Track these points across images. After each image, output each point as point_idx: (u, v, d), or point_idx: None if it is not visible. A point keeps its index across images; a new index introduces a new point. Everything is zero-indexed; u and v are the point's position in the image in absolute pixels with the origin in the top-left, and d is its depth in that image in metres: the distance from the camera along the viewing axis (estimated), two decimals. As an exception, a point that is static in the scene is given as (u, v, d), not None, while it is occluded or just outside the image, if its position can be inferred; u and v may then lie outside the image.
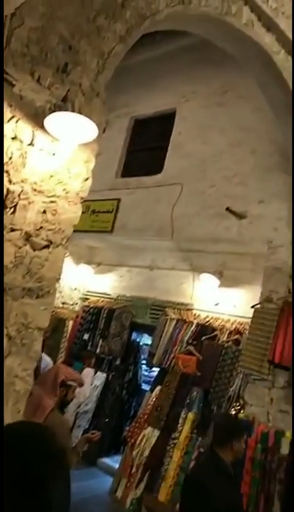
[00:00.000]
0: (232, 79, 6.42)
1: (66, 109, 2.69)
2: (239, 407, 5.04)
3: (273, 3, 4.26)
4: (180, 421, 5.32)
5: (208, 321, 6.01)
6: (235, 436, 2.95)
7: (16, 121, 2.50)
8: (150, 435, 5.37)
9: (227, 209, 5.95)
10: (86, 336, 7.10)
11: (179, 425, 5.30)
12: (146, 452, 5.27)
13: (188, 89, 7.12)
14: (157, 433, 5.38)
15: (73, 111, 2.72)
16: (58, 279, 2.80)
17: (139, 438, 5.39)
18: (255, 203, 5.85)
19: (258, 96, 5.25)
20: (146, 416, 5.61)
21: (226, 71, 6.35)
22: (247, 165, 6.10)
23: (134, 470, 5.33)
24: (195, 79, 7.05)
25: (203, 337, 5.83)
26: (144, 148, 7.69)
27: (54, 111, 2.64)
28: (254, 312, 5.37)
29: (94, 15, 3.03)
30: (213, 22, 3.96)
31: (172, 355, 5.97)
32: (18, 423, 1.13)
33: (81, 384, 3.56)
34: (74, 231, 2.92)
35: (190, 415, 5.32)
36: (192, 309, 6.34)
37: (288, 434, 4.46)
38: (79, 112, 2.72)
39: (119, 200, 7.15)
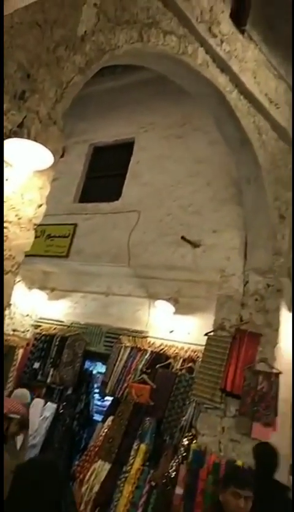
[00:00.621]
0: (190, 112, 6.68)
1: (21, 136, 2.68)
2: (191, 437, 4.99)
3: (227, 46, 4.54)
4: (132, 452, 5.18)
5: (163, 348, 5.99)
6: (221, 485, 2.70)
7: None
8: (100, 469, 5.17)
9: (182, 237, 6.06)
10: (36, 365, 6.83)
11: (131, 457, 5.16)
12: (96, 488, 5.05)
13: (147, 120, 7.32)
14: (107, 466, 5.20)
15: (28, 137, 2.71)
16: (8, 306, 2.70)
17: (89, 473, 5.17)
18: (209, 233, 6.01)
19: (214, 130, 5.50)
20: (96, 449, 5.41)
21: (185, 105, 6.60)
22: (202, 196, 6.29)
23: (82, 507, 5.08)
24: (154, 111, 7.27)
25: (157, 365, 5.79)
26: (103, 175, 7.75)
27: (9, 137, 2.62)
28: (207, 339, 5.42)
29: (53, 45, 3.08)
30: (170, 60, 4.15)
31: (125, 384, 5.86)
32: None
33: (22, 418, 3.38)
34: (28, 255, 2.86)
35: (143, 446, 5.20)
36: (147, 337, 6.30)
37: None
38: (35, 140, 2.71)
39: (75, 225, 7.10)
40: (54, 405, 6.39)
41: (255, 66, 5.01)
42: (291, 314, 5.47)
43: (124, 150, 7.45)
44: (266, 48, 5.18)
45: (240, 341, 5.17)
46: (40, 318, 7.57)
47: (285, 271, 5.55)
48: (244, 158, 5.34)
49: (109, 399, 6.32)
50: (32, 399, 6.20)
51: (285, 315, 5.35)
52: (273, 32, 5.38)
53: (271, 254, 5.50)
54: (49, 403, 6.45)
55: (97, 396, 6.92)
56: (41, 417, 6.28)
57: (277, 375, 4.93)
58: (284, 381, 5.06)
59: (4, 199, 2.67)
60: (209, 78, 4.47)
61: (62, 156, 7.37)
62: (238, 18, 4.75)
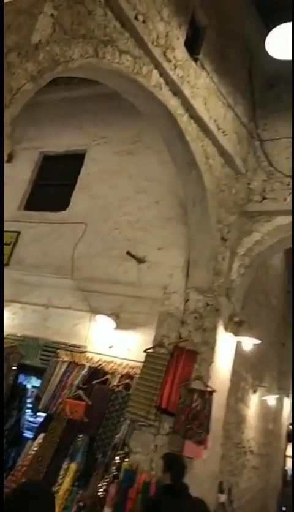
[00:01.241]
0: (143, 130, 6.79)
1: None
2: (123, 455, 4.93)
3: (180, 72, 4.69)
4: (62, 472, 5.01)
5: (100, 364, 5.90)
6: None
7: None
8: (27, 489, 4.92)
9: (128, 252, 6.08)
10: None
11: (60, 477, 4.98)
12: None
13: (100, 133, 7.35)
14: (35, 487, 4.96)
15: None
16: None
17: (14, 494, 4.90)
18: (154, 249, 6.09)
19: (165, 150, 5.62)
20: (24, 468, 5.17)
21: (138, 123, 6.70)
22: (149, 213, 6.38)
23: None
24: (108, 125, 7.32)
25: (94, 381, 5.68)
26: (51, 184, 7.63)
27: None
28: (146, 356, 5.43)
29: (5, 50, 3.01)
30: (125, 79, 4.21)
31: (60, 400, 5.68)
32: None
33: None
34: None
35: (73, 466, 5.04)
36: (85, 351, 6.18)
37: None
38: (-22, 144, 2.61)
39: (19, 233, 6.89)
40: (-18, 421, 6.03)
41: (205, 93, 5.22)
42: (227, 333, 5.64)
43: (74, 161, 7.40)
44: (216, 77, 5.43)
45: (177, 358, 5.23)
46: (-26, 328, 7.19)
47: (223, 291, 5.73)
48: (191, 180, 5.50)
49: (42, 414, 6.09)
50: None
51: (221, 334, 5.50)
52: (224, 62, 5.66)
53: (211, 274, 5.67)
54: (-24, 418, 6.08)
55: (29, 412, 6.64)
56: None
57: (211, 393, 5.03)
58: (217, 400, 5.18)
59: None
60: (162, 99, 4.59)
61: (8, 161, 7.18)
62: (192, 46, 4.95)
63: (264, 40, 4.35)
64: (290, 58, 4.63)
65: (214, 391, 5.05)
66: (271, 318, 10.17)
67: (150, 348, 5.47)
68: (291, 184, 6.07)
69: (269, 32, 4.32)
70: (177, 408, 4.92)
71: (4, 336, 6.80)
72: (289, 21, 4.16)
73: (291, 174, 6.08)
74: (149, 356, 5.40)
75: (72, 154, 7.56)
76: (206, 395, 4.99)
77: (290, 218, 5.91)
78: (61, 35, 3.37)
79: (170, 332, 5.56)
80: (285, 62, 4.83)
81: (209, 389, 5.05)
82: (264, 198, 6.23)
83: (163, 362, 5.22)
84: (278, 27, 4.24)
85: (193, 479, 4.72)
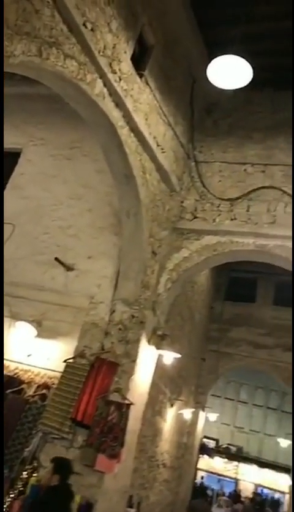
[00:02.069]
0: (82, 137, 6.73)
1: None
2: (32, 470, 4.71)
3: (124, 84, 4.74)
4: None
5: (17, 373, 5.63)
6: None
7: None
8: None
9: (56, 259, 5.93)
10: None
11: None
12: None
13: (38, 134, 7.15)
14: None
15: None
16: None
17: None
18: (84, 258, 6.01)
19: (103, 160, 5.60)
20: None
21: (79, 129, 6.63)
22: (82, 220, 6.30)
23: None
24: (47, 127, 7.15)
25: (8, 391, 5.40)
26: (-20, 180, 7.24)
27: None
28: (65, 366, 5.29)
29: None
30: (68, 83, 4.15)
31: None
32: None
33: None
34: None
35: (-24, 481, 4.71)
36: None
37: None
38: None
39: None
40: None
41: (147, 109, 5.32)
42: (149, 346, 5.69)
43: (8, 159, 7.09)
44: (159, 95, 5.57)
45: (98, 370, 5.16)
46: None
47: (149, 304, 5.80)
48: (126, 193, 5.54)
49: None
50: None
51: (144, 346, 5.54)
52: (168, 83, 5.83)
53: (139, 287, 5.72)
54: None
55: None
56: None
57: (129, 406, 5.02)
58: (134, 413, 5.18)
59: None
60: (104, 109, 4.59)
61: None
62: (138, 62, 5.03)
63: (207, 67, 4.56)
64: (229, 88, 4.90)
65: (131, 403, 5.04)
66: (193, 333, 10.48)
67: (70, 358, 5.35)
68: (220, 206, 6.36)
69: (211, 60, 4.55)
70: (93, 421, 4.84)
71: None
72: (231, 54, 4.41)
73: (221, 197, 6.38)
74: (69, 366, 5.27)
75: (6, 151, 7.25)
76: (123, 408, 4.97)
77: (217, 238, 6.18)
78: (4, 29, 3.24)
79: (93, 343, 5.49)
80: (225, 90, 5.10)
81: (126, 401, 5.03)
82: (195, 217, 6.45)
83: (83, 373, 5.12)
84: (221, 57, 4.48)
85: (102, 493, 4.65)
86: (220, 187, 6.50)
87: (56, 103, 6.70)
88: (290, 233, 5.70)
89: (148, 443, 7.43)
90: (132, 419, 5.11)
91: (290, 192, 6.02)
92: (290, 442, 15.06)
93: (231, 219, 6.24)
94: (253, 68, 4.47)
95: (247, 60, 4.40)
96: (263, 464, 17.43)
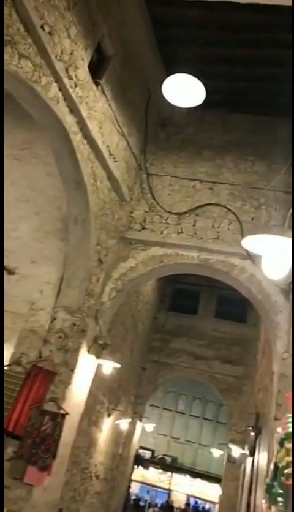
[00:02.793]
0: (34, 139, 6.55)
1: None
2: None
3: (80, 91, 4.72)
4: None
5: None
6: None
7: None
8: None
9: (-3, 261, 5.71)
10: None
11: None
12: None
13: (-12, 131, 6.89)
14: None
15: None
16: None
17: None
18: (27, 262, 5.84)
19: (53, 164, 5.51)
20: None
21: (31, 131, 6.45)
22: (28, 223, 6.12)
23: None
24: (-2, 125, 6.91)
25: None
26: None
27: None
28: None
29: None
30: (21, 84, 4.06)
31: None
32: None
33: None
34: None
35: None
36: None
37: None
38: None
39: None
40: None
41: (102, 117, 5.34)
42: (89, 355, 5.62)
43: None
44: (115, 105, 5.61)
45: (34, 378, 5.01)
46: None
47: (92, 312, 5.75)
48: (76, 199, 5.48)
49: None
50: None
51: (83, 355, 5.46)
52: (124, 94, 5.90)
53: (83, 294, 5.65)
54: None
55: None
56: None
57: (64, 416, 4.92)
58: (69, 423, 5.07)
59: None
60: (57, 113, 4.53)
61: None
62: (96, 70, 5.05)
63: (163, 83, 4.67)
64: (182, 106, 5.05)
65: (66, 413, 4.94)
66: (135, 343, 10.50)
67: (5, 366, 5.14)
68: (169, 219, 6.49)
69: (168, 77, 4.67)
70: (25, 431, 4.67)
71: None
72: (187, 73, 4.56)
73: (170, 210, 6.51)
74: (4, 374, 5.05)
75: None
76: (58, 418, 4.86)
77: (163, 250, 6.29)
78: None
79: (30, 351, 5.33)
80: (179, 107, 5.24)
81: (62, 411, 4.92)
82: (143, 228, 6.53)
83: (18, 382, 4.94)
84: (177, 75, 4.62)
85: (30, 507, 4.49)
86: (169, 200, 6.63)
87: (10, 103, 6.50)
88: (232, 250, 5.93)
89: (82, 455, 7.29)
90: (67, 429, 5.00)
91: (234, 210, 6.28)
92: (221, 452, 15.44)
93: (178, 232, 6.38)
94: (207, 89, 4.65)
95: (201, 81, 4.57)
96: (196, 474, 17.71)
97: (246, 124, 6.99)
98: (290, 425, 2.12)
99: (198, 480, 17.73)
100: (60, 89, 4.44)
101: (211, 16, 5.42)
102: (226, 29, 5.66)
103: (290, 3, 1.46)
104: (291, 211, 2.21)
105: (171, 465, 17.73)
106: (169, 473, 18.29)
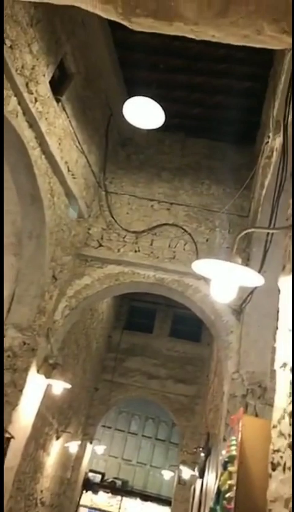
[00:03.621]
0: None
1: None
2: None
3: (40, 107, 4.70)
4: None
5: None
6: None
7: None
8: None
9: None
10: None
11: None
12: None
13: None
14: None
15: None
16: None
17: None
18: (-23, 277, 5.61)
19: (9, 178, 5.39)
20: None
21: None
22: (-20, 237, 5.91)
23: None
24: None
25: None
26: None
27: None
28: None
29: None
30: (-21, 95, 3.98)
31: None
32: None
33: None
34: None
35: None
36: None
37: None
38: None
39: None
40: None
41: (62, 134, 5.32)
42: (38, 375, 5.43)
43: None
44: (75, 123, 5.62)
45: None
46: None
47: (44, 330, 5.59)
48: (31, 213, 5.38)
49: None
50: None
51: (32, 375, 5.27)
52: (85, 112, 5.94)
53: (35, 312, 5.49)
54: None
55: None
56: None
57: (9, 440, 4.68)
58: (14, 447, 4.84)
59: None
60: (16, 127, 4.47)
61: None
62: (57, 87, 5.05)
63: (124, 104, 4.76)
64: (142, 127, 5.15)
65: (12, 437, 4.71)
66: (88, 362, 10.29)
67: None
68: (126, 237, 6.51)
69: (129, 98, 4.77)
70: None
71: None
72: (148, 96, 4.67)
73: (127, 229, 6.54)
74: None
75: None
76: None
77: (120, 268, 6.28)
78: None
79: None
80: (139, 128, 5.34)
81: (7, 435, 4.68)
82: (100, 245, 6.50)
83: None
84: (138, 97, 4.72)
85: None
86: (127, 218, 6.67)
87: None
88: (187, 270, 6.02)
89: (27, 480, 6.95)
90: (11, 454, 4.76)
91: (190, 231, 6.41)
92: (172, 474, 15.29)
93: (135, 251, 6.40)
94: (167, 112, 4.79)
95: (161, 104, 4.70)
96: (146, 497, 17.35)
97: (203, 148, 7.23)
98: (234, 447, 2.14)
99: (149, 503, 17.38)
100: (19, 103, 4.39)
101: (172, 44, 5.62)
102: (186, 58, 5.89)
103: (240, 43, 1.55)
104: (240, 236, 2.28)
105: (121, 489, 17.28)
106: (119, 497, 17.81)
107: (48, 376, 5.63)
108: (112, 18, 1.63)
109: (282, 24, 1.37)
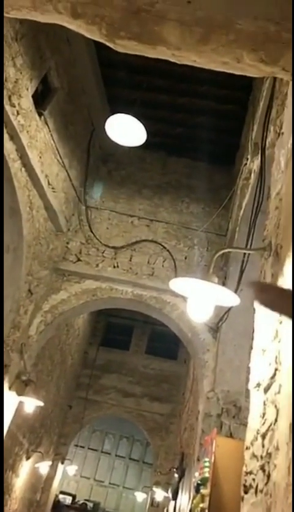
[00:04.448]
0: None
1: None
2: None
3: (22, 119, 4.69)
4: None
5: None
6: None
7: None
8: None
9: None
10: None
11: None
12: None
13: None
14: None
15: None
16: None
17: None
18: None
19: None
20: None
21: None
22: None
23: None
24: None
25: None
26: None
27: None
28: None
29: None
30: None
31: None
32: None
33: None
34: None
35: None
36: None
37: None
38: None
39: None
40: None
41: (43, 147, 5.31)
42: (10, 392, 5.28)
43: None
44: (57, 137, 5.63)
45: None
46: None
47: (17, 346, 5.46)
48: (9, 226, 5.30)
49: None
50: None
51: (4, 393, 5.11)
52: (67, 127, 5.96)
53: (8, 327, 5.36)
54: None
55: None
56: None
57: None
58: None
59: None
60: (-4, 138, 4.44)
61: None
62: (40, 101, 5.07)
63: (106, 121, 4.80)
64: (124, 145, 5.20)
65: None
66: (62, 378, 10.07)
67: None
68: (105, 252, 6.49)
69: (111, 115, 4.82)
70: None
71: None
72: (130, 114, 4.74)
73: (107, 244, 6.53)
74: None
75: None
76: None
77: (97, 284, 6.23)
78: None
79: None
80: (120, 145, 5.39)
81: (-26, 455, 4.50)
82: (78, 260, 6.44)
83: None
84: (120, 115, 4.78)
85: None
86: (106, 234, 6.66)
87: None
88: (165, 287, 6.03)
89: (-6, 503, 6.66)
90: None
91: (169, 248, 6.45)
92: (145, 495, 14.96)
93: (114, 266, 6.38)
94: (148, 131, 4.86)
95: (143, 123, 4.77)
96: (118, 520, 16.91)
97: (184, 167, 7.34)
98: (207, 469, 2.11)
99: (120, 526, 16.93)
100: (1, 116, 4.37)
101: (155, 65, 5.73)
102: (170, 78, 6.02)
103: (221, 70, 1.60)
104: (216, 255, 2.30)
105: (92, 511, 16.78)
106: (90, 520, 17.27)
107: (20, 393, 5.47)
108: (96, 39, 1.66)
109: (260, 54, 1.42)
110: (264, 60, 1.42)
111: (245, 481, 1.80)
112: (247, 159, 4.80)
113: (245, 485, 1.80)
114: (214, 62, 1.54)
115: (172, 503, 7.04)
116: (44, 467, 9.28)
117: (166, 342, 12.04)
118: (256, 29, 1.38)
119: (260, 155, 3.73)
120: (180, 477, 6.55)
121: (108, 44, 1.63)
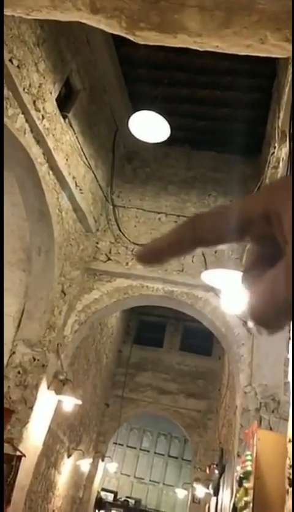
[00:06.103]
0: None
1: None
2: None
3: (47, 123, 4.77)
4: None
5: None
6: None
7: None
8: None
9: None
10: None
11: None
12: None
13: None
14: None
15: None
16: None
17: None
18: (-13, 293, 5.62)
19: (18, 193, 5.45)
20: None
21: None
22: (-11, 253, 5.95)
23: None
24: None
25: None
26: None
27: None
28: None
29: None
30: (-13, 113, 4.05)
31: None
32: None
33: None
34: None
35: None
36: None
37: None
38: None
39: None
40: None
41: (69, 150, 5.39)
42: (49, 391, 5.39)
43: None
44: (82, 138, 5.69)
45: (-12, 417, 4.71)
46: None
47: (54, 346, 5.56)
48: (39, 229, 5.41)
49: None
50: None
51: (43, 392, 5.23)
52: (91, 128, 6.01)
53: (44, 327, 5.47)
54: None
55: None
56: None
57: (20, 458, 4.62)
58: (26, 465, 4.77)
59: None
60: (24, 144, 4.54)
61: None
62: (63, 104, 5.14)
63: (129, 119, 4.81)
64: (148, 141, 5.20)
65: (23, 455, 4.65)
66: (98, 377, 10.20)
67: None
68: (134, 250, 6.51)
69: (134, 113, 4.83)
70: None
71: None
72: (153, 110, 4.73)
73: (135, 242, 6.55)
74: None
75: None
76: (14, 461, 4.55)
77: (128, 282, 6.26)
78: None
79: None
80: (145, 142, 5.39)
81: (18, 453, 4.62)
82: (109, 259, 6.50)
83: (-29, 421, 4.62)
84: (143, 112, 4.78)
85: None
86: (134, 232, 6.68)
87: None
88: (196, 282, 5.99)
89: (39, 500, 6.83)
90: (23, 472, 4.69)
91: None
92: (185, 492, 14.94)
93: (143, 264, 6.38)
94: (172, 126, 4.83)
95: (166, 118, 4.75)
96: (160, 517, 16.97)
97: (209, 161, 7.25)
98: (249, 463, 2.08)
99: (163, 523, 16.98)
100: (27, 121, 4.46)
101: (175, 58, 5.71)
102: (190, 71, 5.97)
103: (245, 53, 1.56)
104: (248, 247, 2.25)
105: (134, 508, 16.92)
106: (132, 517, 17.40)
107: (58, 392, 5.57)
108: (116, 32, 1.66)
109: (285, 32, 1.37)
110: (289, 39, 1.37)
111: (290, 474, 1.76)
112: (275, 147, 4.68)
113: (289, 479, 1.75)
114: (236, 46, 1.51)
115: (214, 498, 7.00)
116: (85, 465, 9.44)
117: (199, 339, 11.95)
118: (280, 8, 1.34)
119: (288, 142, 3.63)
120: (221, 473, 6.49)
121: (128, 37, 1.63)
